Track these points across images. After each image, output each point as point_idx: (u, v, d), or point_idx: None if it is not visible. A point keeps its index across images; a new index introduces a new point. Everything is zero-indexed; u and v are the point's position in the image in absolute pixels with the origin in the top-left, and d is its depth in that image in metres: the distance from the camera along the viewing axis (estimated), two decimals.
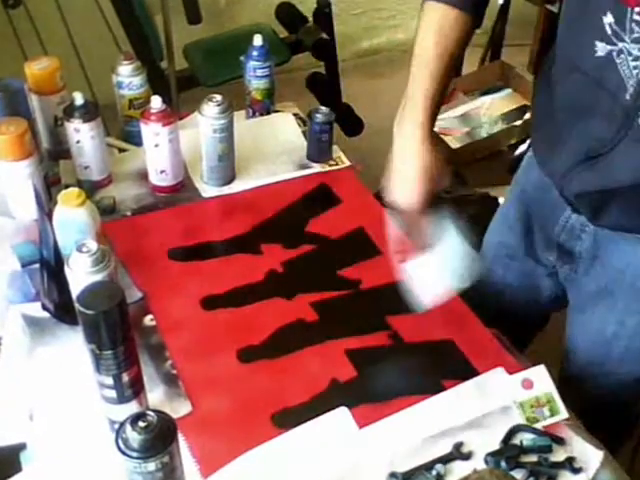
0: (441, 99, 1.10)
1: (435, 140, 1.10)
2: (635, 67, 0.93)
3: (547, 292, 1.37)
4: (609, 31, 0.93)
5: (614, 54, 0.94)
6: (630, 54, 0.93)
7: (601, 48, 0.96)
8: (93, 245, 1.05)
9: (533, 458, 1.01)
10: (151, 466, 0.83)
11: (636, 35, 0.91)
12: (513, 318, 1.30)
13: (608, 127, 1.00)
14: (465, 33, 1.10)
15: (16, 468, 1.02)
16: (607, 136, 1.01)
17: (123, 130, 1.55)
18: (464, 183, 2.53)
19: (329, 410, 1.06)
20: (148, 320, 1.20)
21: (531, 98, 1.25)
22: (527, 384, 1.09)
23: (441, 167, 1.10)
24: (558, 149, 1.11)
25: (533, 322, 1.48)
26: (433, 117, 1.09)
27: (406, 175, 1.09)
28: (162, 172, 1.42)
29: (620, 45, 0.93)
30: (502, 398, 1.07)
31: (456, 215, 1.11)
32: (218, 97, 1.37)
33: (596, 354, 1.28)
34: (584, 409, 1.10)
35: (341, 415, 1.05)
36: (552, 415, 1.06)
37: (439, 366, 1.16)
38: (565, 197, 1.16)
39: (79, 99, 1.34)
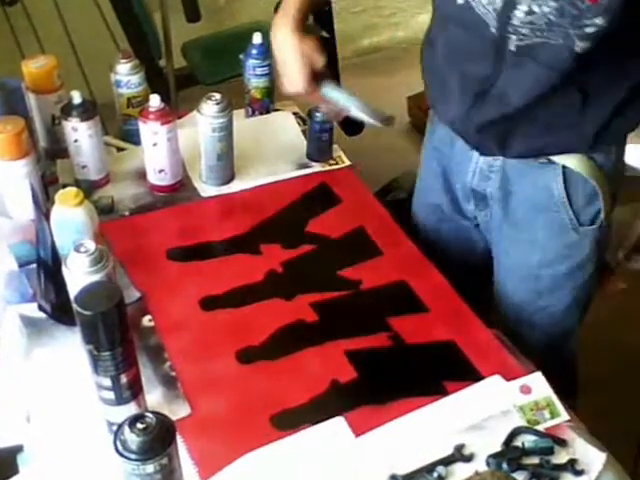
0: (309, 10, 1.27)
1: (303, 34, 1.25)
2: (489, 3, 1.04)
3: (480, 244, 1.42)
4: None
5: None
6: None
7: None
8: (91, 245, 1.05)
9: (535, 460, 1.01)
10: (149, 468, 0.83)
11: None
12: (459, 277, 1.31)
13: (484, 65, 1.11)
14: None
15: (13, 470, 1.02)
16: (486, 73, 1.12)
17: (121, 129, 1.55)
18: None
19: (329, 411, 1.06)
20: (147, 321, 1.20)
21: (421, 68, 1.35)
22: (525, 389, 1.09)
23: (313, 50, 1.25)
24: (449, 98, 1.21)
25: (481, 274, 1.47)
26: (302, 23, 1.26)
27: (289, 68, 1.25)
28: (161, 171, 1.42)
29: None
30: (501, 403, 1.07)
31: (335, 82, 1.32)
32: (217, 96, 1.37)
33: (526, 290, 1.33)
34: (528, 353, 1.15)
35: (337, 425, 1.05)
36: (553, 417, 1.06)
37: (440, 367, 1.16)
38: (469, 140, 1.25)
39: (77, 98, 1.34)
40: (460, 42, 1.15)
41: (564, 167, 1.20)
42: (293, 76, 1.25)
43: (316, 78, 1.27)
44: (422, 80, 1.32)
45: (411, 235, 1.39)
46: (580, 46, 1.01)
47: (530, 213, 1.27)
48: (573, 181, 1.21)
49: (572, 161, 1.19)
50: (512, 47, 1.07)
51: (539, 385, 1.10)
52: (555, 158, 1.20)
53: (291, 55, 1.24)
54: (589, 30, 0.99)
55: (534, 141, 1.18)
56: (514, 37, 1.05)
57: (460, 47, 1.15)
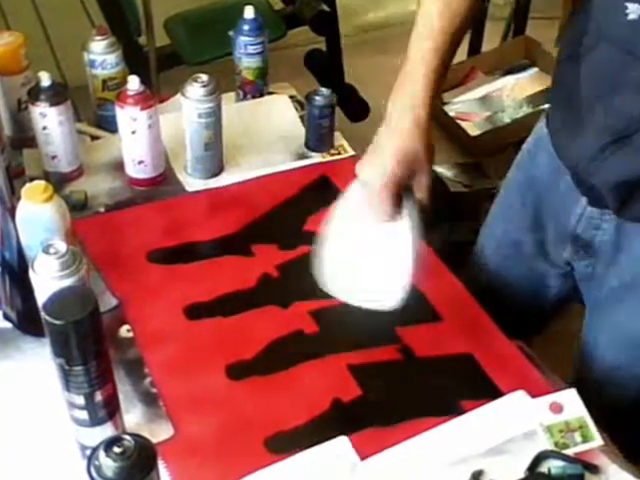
0: (443, 78, 1.13)
1: (428, 130, 1.12)
2: None
3: (553, 291, 1.39)
4: None
5: None
6: None
7: (634, 10, 0.97)
8: (61, 246, 1.05)
9: None
10: None
11: None
12: (511, 323, 1.29)
13: (637, 101, 1.02)
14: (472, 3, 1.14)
15: None
16: (636, 112, 1.03)
17: (96, 115, 1.55)
18: (484, 175, 2.53)
19: (330, 433, 1.06)
20: (124, 331, 1.20)
21: (552, 76, 1.27)
22: (556, 407, 1.08)
23: (422, 161, 1.12)
24: (581, 132, 1.13)
25: (533, 327, 1.48)
26: (432, 99, 1.12)
27: (382, 153, 1.12)
28: (140, 163, 1.42)
29: None
30: (526, 422, 1.07)
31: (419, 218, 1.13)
32: (204, 77, 1.37)
33: (624, 355, 1.29)
34: (605, 417, 1.11)
35: (340, 445, 1.05)
36: (584, 441, 1.05)
37: (456, 384, 1.16)
38: (582, 186, 1.18)
39: (46, 80, 1.34)
40: (615, 68, 1.04)
41: None
42: (376, 169, 1.12)
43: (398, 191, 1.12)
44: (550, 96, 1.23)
45: (457, 266, 1.32)
46: None
47: None
48: None
49: None
50: None
51: (572, 403, 1.09)
52: None
53: (392, 146, 1.11)
54: None
55: None
56: None
57: (613, 74, 1.04)
